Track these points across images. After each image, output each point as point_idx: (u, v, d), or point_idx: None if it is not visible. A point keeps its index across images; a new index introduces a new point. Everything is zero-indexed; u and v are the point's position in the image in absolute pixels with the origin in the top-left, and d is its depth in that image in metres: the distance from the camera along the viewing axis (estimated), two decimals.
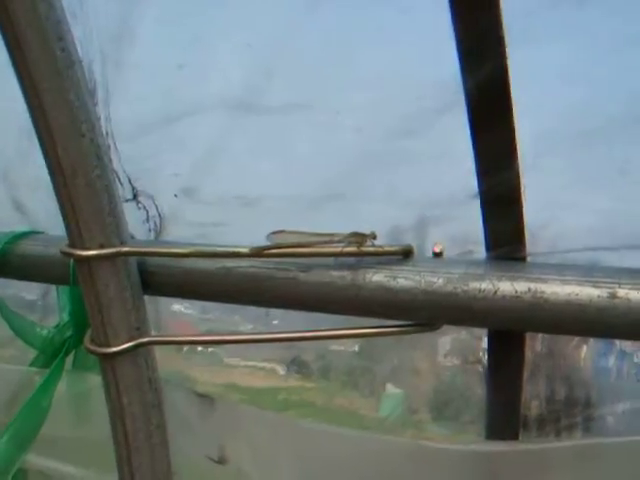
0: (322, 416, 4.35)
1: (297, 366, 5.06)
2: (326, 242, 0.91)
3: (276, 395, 4.93)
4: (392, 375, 4.38)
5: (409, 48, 0.82)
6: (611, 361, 3.25)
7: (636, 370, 3.14)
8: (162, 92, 0.99)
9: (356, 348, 4.61)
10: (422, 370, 4.14)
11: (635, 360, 3.10)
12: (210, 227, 1.01)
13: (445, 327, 0.91)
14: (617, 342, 2.87)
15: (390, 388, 4.48)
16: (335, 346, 4.47)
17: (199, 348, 4.78)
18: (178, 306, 3.00)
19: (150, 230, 1.14)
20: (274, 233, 0.92)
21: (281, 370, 5.05)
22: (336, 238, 0.92)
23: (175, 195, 1.06)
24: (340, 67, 0.89)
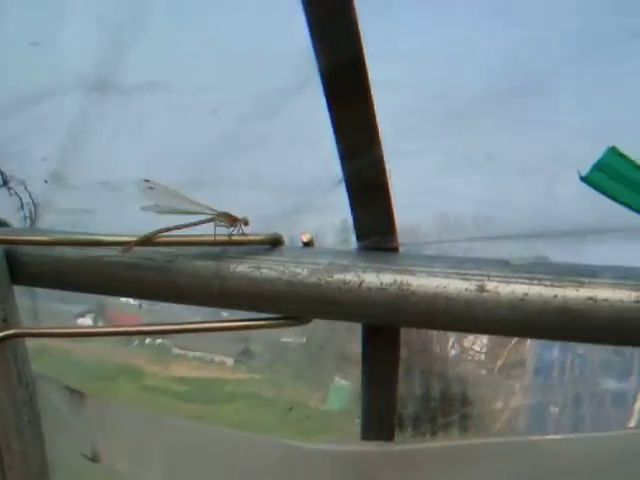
0: (269, 408, 4.32)
1: (246, 358, 5.03)
2: (196, 219, 0.85)
3: (223, 387, 4.89)
4: (340, 367, 4.36)
5: (260, 23, 0.76)
6: (555, 353, 3.25)
7: (579, 361, 3.14)
8: (16, 72, 0.92)
9: (304, 340, 4.58)
10: None
11: (579, 352, 3.10)
12: (80, 214, 0.95)
13: None
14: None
15: (338, 381, 4.46)
16: (284, 338, 4.44)
17: (146, 340, 4.75)
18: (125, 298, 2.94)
19: (25, 218, 1.07)
20: (146, 181, 0.85)
21: (229, 362, 5.01)
22: (207, 213, 0.86)
23: (45, 181, 0.99)
24: (195, 43, 0.83)
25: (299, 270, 0.83)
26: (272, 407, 4.40)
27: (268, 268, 0.85)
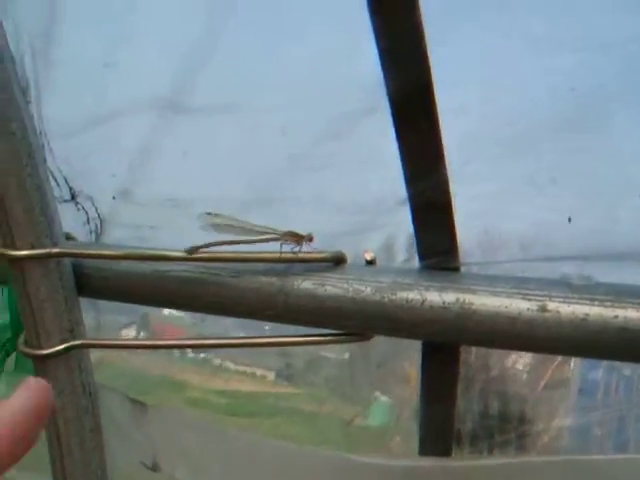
0: (310, 423, 4.33)
1: (287, 372, 5.04)
2: (261, 237, 0.88)
3: (264, 400, 4.91)
4: (381, 383, 4.35)
5: (332, 47, 0.79)
6: (599, 374, 3.22)
7: (625, 382, 3.11)
8: (91, 91, 0.96)
9: (346, 356, 4.59)
10: (412, 378, 4.10)
11: (625, 373, 3.07)
12: (146, 230, 0.98)
13: None
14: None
15: (379, 396, 4.46)
16: (325, 353, 4.45)
17: (189, 353, 4.79)
18: (169, 310, 2.98)
19: (91, 232, 1.11)
20: (209, 214, 0.89)
21: (271, 376, 5.03)
22: (272, 234, 0.88)
23: (113, 197, 1.03)
24: (264, 66, 0.86)
25: (363, 288, 0.86)
26: (312, 422, 4.41)
27: (332, 285, 0.87)
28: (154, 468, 1.09)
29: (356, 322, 0.87)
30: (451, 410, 0.92)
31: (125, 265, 1.02)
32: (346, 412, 4.58)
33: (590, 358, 0.80)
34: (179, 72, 0.87)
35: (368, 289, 0.85)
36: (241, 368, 4.99)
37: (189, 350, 4.55)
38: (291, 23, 0.84)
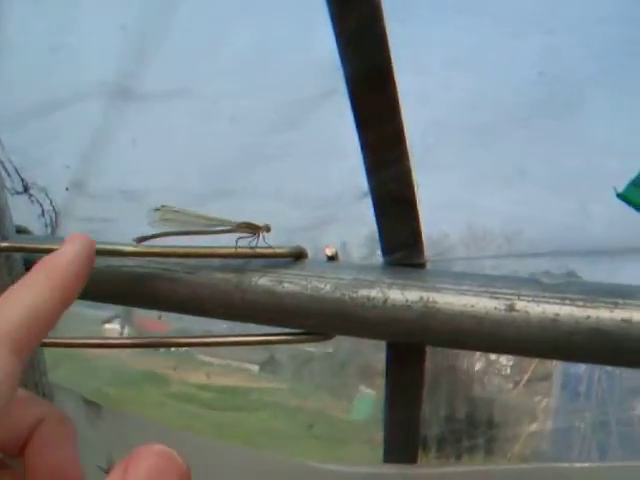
0: (294, 417, 4.30)
1: (270, 366, 5.02)
2: (214, 228, 0.83)
3: (248, 395, 4.89)
4: (365, 377, 4.33)
5: (285, 30, 0.74)
6: (582, 368, 3.20)
7: (606, 376, 3.09)
8: (38, 77, 0.91)
9: (330, 349, 4.57)
10: None
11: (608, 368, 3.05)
12: (99, 222, 0.93)
13: None
14: None
15: (363, 390, 4.44)
16: (309, 347, 4.43)
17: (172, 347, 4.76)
18: None
19: (46, 225, 1.05)
20: (157, 210, 0.83)
21: (254, 369, 5.01)
22: (227, 225, 0.83)
23: (67, 188, 0.97)
24: (215, 50, 0.80)
25: (322, 285, 0.81)
26: (296, 417, 4.39)
27: (290, 282, 0.82)
28: (109, 472, 1.04)
29: (315, 321, 0.82)
30: (417, 414, 0.88)
31: None
32: (330, 406, 4.56)
33: (560, 360, 0.76)
34: (127, 56, 0.81)
35: (328, 286, 0.80)
36: (225, 362, 4.96)
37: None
38: (243, 6, 0.79)
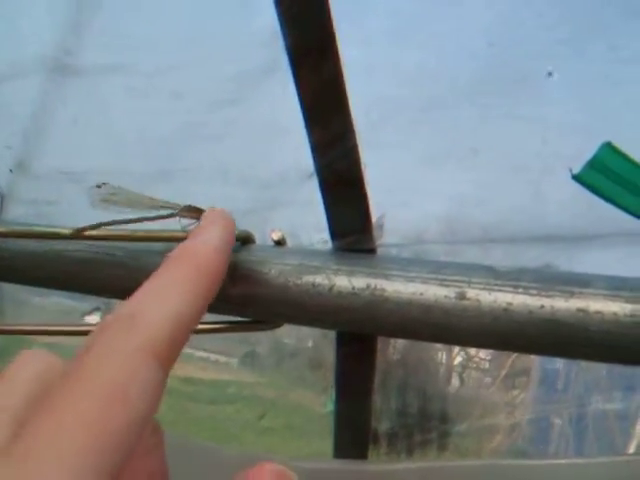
0: (271, 410, 4.28)
1: (250, 359, 5.01)
2: (155, 213, 0.79)
3: (226, 388, 4.87)
4: None
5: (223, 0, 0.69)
6: (559, 363, 3.18)
7: (583, 373, 3.07)
8: None
9: (310, 344, 4.55)
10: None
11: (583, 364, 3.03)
12: (44, 205, 0.88)
13: None
14: None
15: None
16: (288, 340, 4.41)
17: None
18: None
19: None
20: (98, 187, 0.79)
21: (234, 362, 4.99)
22: (171, 208, 0.79)
23: (10, 170, 0.93)
24: (151, 23, 0.76)
25: (266, 270, 0.76)
26: (274, 409, 4.38)
27: (235, 268, 0.78)
28: None
29: (260, 309, 0.78)
30: (367, 406, 0.84)
31: (21, 244, 0.93)
32: (308, 399, 4.54)
33: (512, 352, 0.72)
34: (63, 28, 0.77)
35: (272, 272, 0.76)
36: (204, 355, 4.94)
37: None
38: None
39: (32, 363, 0.37)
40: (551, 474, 0.79)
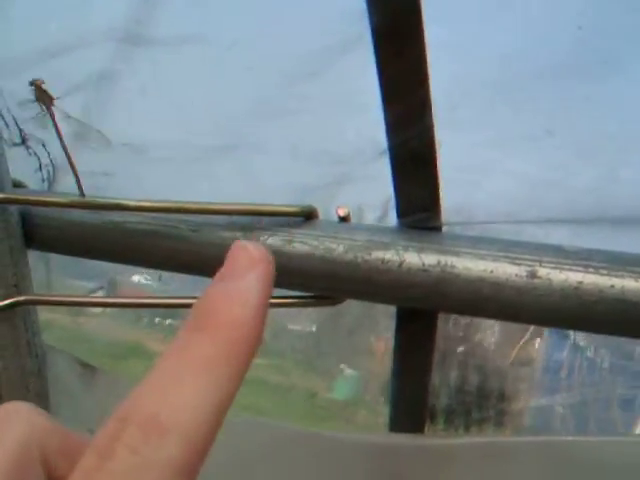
0: (275, 394, 4.29)
1: None
2: None
3: None
4: (348, 356, 4.32)
5: None
6: (564, 354, 3.20)
7: (588, 363, 3.09)
8: (42, 22, 0.86)
9: (314, 328, 4.55)
10: (378, 352, 4.08)
11: (588, 354, 3.06)
12: (100, 177, 0.88)
13: None
14: (571, 336, 2.82)
15: (345, 369, 4.43)
16: (293, 325, 4.41)
17: (156, 320, 4.72)
18: (138, 277, 2.90)
19: (43, 180, 1.01)
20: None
21: None
22: None
23: (67, 140, 0.93)
24: None
25: (334, 246, 0.77)
26: (278, 394, 4.38)
27: (300, 242, 0.79)
28: None
29: (325, 284, 0.78)
30: (425, 383, 0.85)
31: (77, 215, 0.93)
32: (312, 384, 4.55)
33: (581, 331, 0.72)
34: (136, 1, 0.77)
35: (340, 247, 0.77)
36: None
37: (157, 318, 4.48)
38: None
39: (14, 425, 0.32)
40: (610, 451, 0.81)
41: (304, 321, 4.33)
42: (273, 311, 0.82)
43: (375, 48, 0.69)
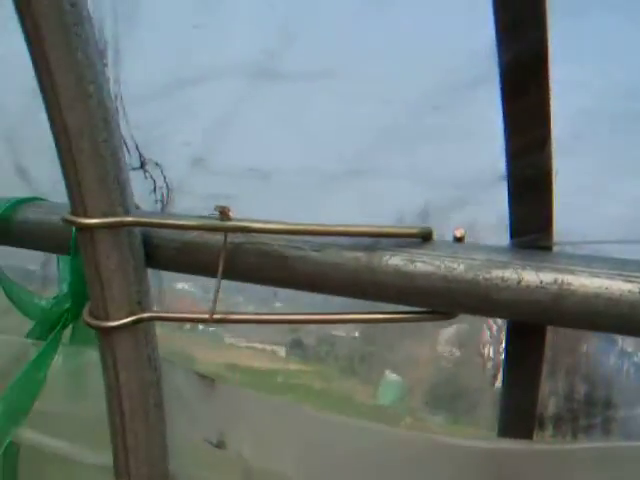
0: (319, 400, 4.32)
1: (298, 349, 5.03)
2: None
3: (275, 377, 4.90)
4: (391, 362, 4.35)
5: (441, 16, 0.76)
6: (612, 360, 3.22)
7: (635, 369, 3.11)
8: (176, 54, 0.93)
9: (357, 334, 4.58)
10: (421, 359, 4.11)
11: (635, 359, 3.07)
12: (221, 200, 0.95)
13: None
14: (619, 341, 2.84)
15: (389, 375, 4.45)
16: (336, 331, 4.44)
17: (200, 327, 4.76)
18: (182, 284, 2.96)
19: (157, 201, 1.08)
20: None
21: (282, 352, 5.02)
22: None
23: (185, 165, 1.00)
24: (366, 33, 0.82)
25: (455, 265, 0.83)
26: (322, 400, 4.40)
27: (422, 262, 0.85)
28: (219, 445, 1.07)
29: (445, 300, 0.85)
30: (535, 392, 0.90)
31: (195, 236, 1.00)
32: (356, 390, 4.58)
33: None
34: (272, 37, 0.83)
35: (461, 266, 0.83)
36: (251, 344, 4.97)
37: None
38: None
39: None
40: None
41: (347, 327, 4.36)
42: None
43: (501, 85, 0.75)
